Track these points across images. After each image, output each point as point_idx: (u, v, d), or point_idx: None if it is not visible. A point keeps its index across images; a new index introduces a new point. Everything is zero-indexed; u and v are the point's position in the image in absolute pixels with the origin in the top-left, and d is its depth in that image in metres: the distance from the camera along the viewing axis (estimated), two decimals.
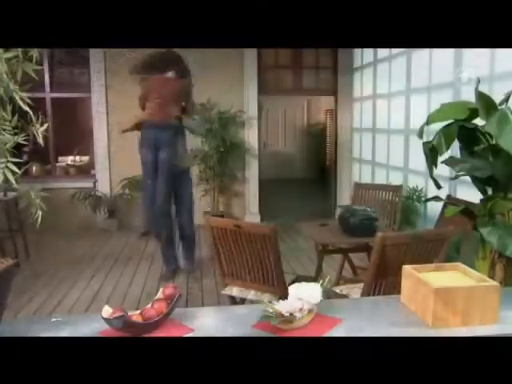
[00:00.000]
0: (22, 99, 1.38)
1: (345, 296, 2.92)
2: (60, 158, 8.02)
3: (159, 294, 1.57)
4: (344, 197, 7.17)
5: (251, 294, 2.97)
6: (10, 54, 1.37)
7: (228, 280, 3.04)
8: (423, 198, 4.82)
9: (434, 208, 4.28)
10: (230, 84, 6.92)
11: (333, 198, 7.68)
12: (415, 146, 4.72)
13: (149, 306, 1.52)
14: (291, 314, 1.43)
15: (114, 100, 6.69)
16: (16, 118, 1.44)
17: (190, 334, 1.46)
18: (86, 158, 8.62)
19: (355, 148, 7.08)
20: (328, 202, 7.96)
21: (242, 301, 3.13)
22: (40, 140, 1.44)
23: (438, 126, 2.72)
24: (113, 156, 6.77)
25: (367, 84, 6.49)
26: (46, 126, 1.46)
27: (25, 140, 1.45)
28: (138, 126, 4.51)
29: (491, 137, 2.46)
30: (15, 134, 1.44)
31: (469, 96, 3.28)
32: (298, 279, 3.21)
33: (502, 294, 1.53)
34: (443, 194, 3.23)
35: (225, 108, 6.79)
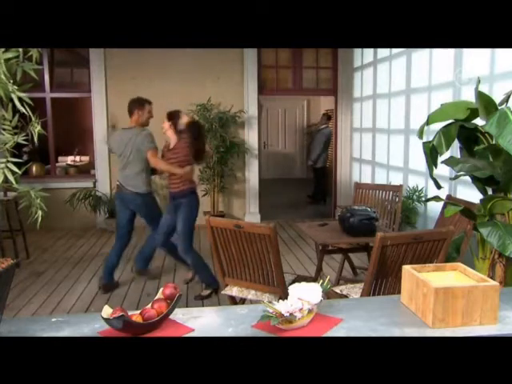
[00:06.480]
0: (21, 99, 1.38)
1: (345, 296, 2.92)
2: (60, 158, 8.03)
3: (159, 294, 1.57)
4: (344, 197, 7.17)
5: (251, 294, 2.97)
6: (10, 55, 1.36)
7: (228, 280, 3.04)
8: (423, 198, 4.82)
9: (434, 208, 4.29)
10: (230, 84, 6.92)
11: (333, 198, 7.68)
12: (415, 146, 4.73)
13: (149, 306, 1.52)
14: (291, 314, 1.43)
15: (113, 100, 6.69)
16: (17, 117, 1.43)
17: (190, 334, 1.46)
18: (86, 158, 8.64)
19: (355, 148, 7.08)
20: (328, 202, 7.97)
21: (242, 301, 3.13)
22: (35, 139, 1.43)
23: (438, 125, 2.72)
24: (113, 156, 6.75)
25: (367, 84, 6.48)
26: (39, 126, 1.45)
27: (25, 140, 1.45)
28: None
29: (491, 137, 2.46)
30: (15, 133, 1.43)
31: (469, 96, 3.29)
32: (298, 279, 3.21)
33: (501, 294, 1.53)
34: (443, 194, 3.23)
35: (225, 108, 6.80)
